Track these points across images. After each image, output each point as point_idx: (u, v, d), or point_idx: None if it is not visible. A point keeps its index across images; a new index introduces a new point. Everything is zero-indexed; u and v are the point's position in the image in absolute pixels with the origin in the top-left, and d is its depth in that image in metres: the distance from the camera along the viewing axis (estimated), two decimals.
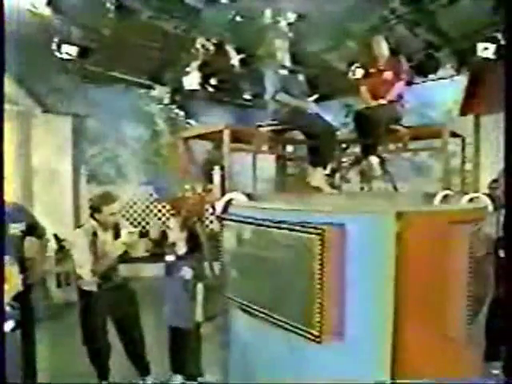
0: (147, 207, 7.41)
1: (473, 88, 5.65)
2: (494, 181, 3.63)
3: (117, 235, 2.97)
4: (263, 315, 1.74)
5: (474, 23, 4.68)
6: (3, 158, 1.92)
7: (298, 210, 1.72)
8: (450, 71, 5.54)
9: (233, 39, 4.82)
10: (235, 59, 4.92)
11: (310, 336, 1.56)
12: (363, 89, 3.97)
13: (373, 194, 3.98)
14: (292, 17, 4.50)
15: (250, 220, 1.81)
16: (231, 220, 1.93)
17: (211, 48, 4.81)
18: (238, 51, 4.92)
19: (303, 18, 4.59)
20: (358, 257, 1.55)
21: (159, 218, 7.44)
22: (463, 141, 4.27)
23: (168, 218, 6.97)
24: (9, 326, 2.08)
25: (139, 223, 7.25)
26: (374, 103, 3.80)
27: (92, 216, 2.95)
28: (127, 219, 6.58)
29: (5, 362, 1.92)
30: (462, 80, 5.77)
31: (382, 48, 3.85)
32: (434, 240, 1.59)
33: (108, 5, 3.83)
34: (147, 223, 7.36)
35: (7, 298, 2.08)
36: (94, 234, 2.88)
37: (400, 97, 3.86)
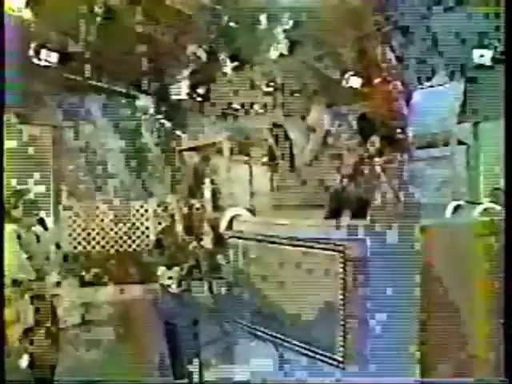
0: (133, 224, 7.07)
1: (469, 95, 5.66)
2: (496, 189, 3.65)
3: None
4: (278, 340, 1.60)
5: (470, 30, 4.69)
6: (3, 159, 1.92)
7: (315, 225, 1.60)
8: (446, 78, 5.54)
9: (226, 46, 4.67)
10: (228, 67, 4.76)
11: (333, 362, 1.43)
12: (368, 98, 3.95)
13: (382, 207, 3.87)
14: (287, 23, 4.40)
15: (259, 237, 1.65)
16: (239, 238, 1.75)
17: (203, 56, 4.65)
18: (232, 59, 4.76)
19: (298, 24, 4.51)
20: (380, 273, 1.55)
21: (147, 236, 7.12)
22: (467, 149, 4.25)
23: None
24: (24, 361, 2.21)
25: (125, 242, 6.90)
26: (376, 111, 3.78)
27: None
28: (112, 237, 6.32)
29: (4, 361, 1.99)
30: (458, 87, 5.77)
31: (387, 57, 3.85)
32: (457, 251, 1.63)
33: (96, 9, 3.62)
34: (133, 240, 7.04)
35: (19, 333, 2.26)
36: None
37: (402, 106, 3.87)
